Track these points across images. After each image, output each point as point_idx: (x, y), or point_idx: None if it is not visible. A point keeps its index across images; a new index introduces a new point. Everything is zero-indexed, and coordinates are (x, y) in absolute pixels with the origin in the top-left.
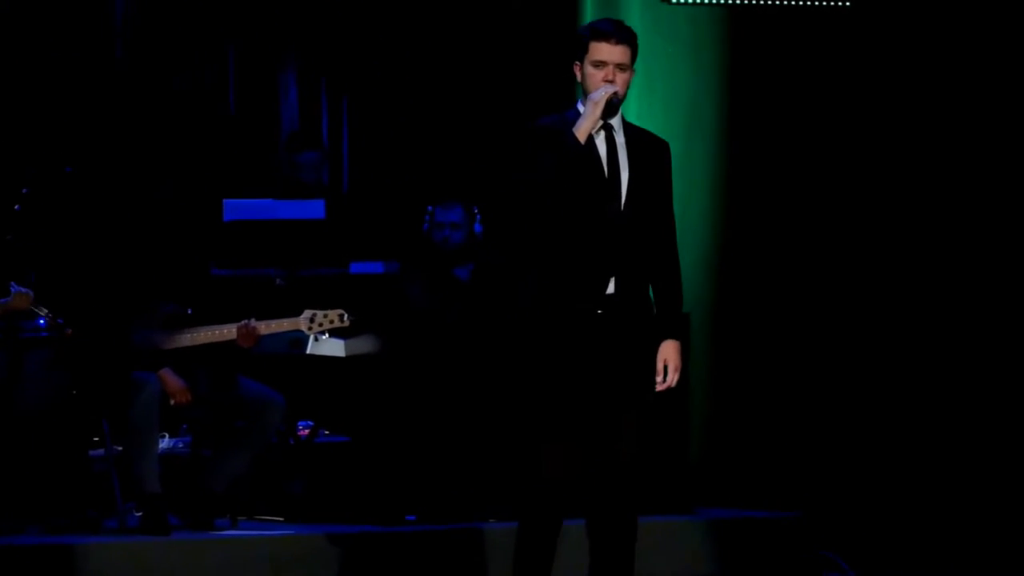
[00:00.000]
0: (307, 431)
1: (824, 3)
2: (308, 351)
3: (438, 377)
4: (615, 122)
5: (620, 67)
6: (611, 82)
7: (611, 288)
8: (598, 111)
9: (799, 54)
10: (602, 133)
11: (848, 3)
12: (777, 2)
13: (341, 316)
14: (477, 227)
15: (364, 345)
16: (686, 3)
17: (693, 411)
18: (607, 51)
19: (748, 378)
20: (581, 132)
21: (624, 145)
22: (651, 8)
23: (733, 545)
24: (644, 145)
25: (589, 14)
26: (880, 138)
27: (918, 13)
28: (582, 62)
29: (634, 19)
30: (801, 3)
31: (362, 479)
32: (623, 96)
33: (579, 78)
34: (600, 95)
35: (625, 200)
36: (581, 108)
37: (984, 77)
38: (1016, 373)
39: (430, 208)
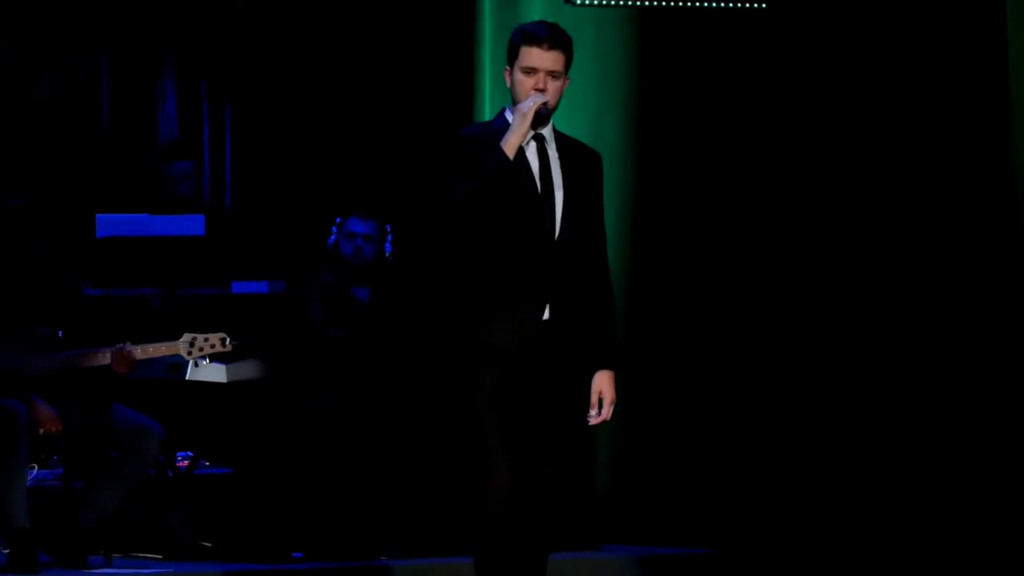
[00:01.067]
0: (186, 462)
1: (738, 5)
2: (187, 376)
3: (328, 403)
4: (546, 132)
5: (552, 74)
6: (542, 90)
7: (546, 314)
8: (526, 124)
9: (711, 58)
10: (533, 144)
11: (764, 5)
12: (688, 4)
13: (223, 340)
14: (387, 247)
15: (247, 370)
16: (591, 4)
17: (600, 442)
18: (538, 57)
19: (657, 408)
20: (509, 147)
21: (557, 158)
22: (554, 10)
23: None
24: (577, 157)
25: (488, 15)
26: (795, 145)
27: (838, 15)
28: (512, 67)
29: None
30: (714, 5)
31: (245, 513)
32: (554, 106)
33: (508, 84)
34: (528, 106)
35: (560, 218)
36: (509, 116)
37: (901, 79)
38: (934, 400)
39: (339, 220)
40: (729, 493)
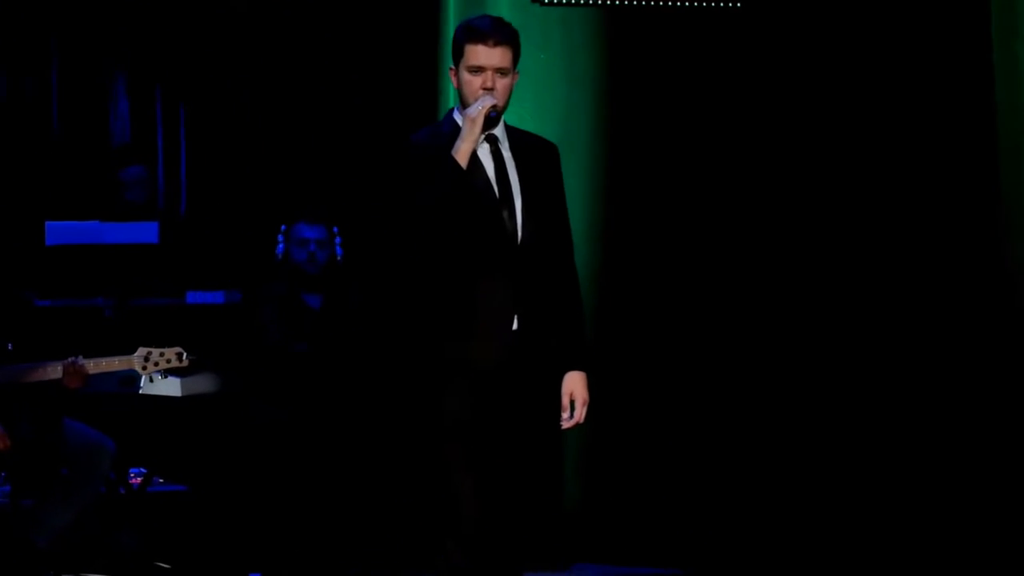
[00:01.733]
0: (140, 479)
1: (712, 4)
2: (141, 390)
3: (286, 416)
4: (498, 132)
5: (500, 72)
6: (490, 89)
7: (515, 324)
8: (476, 129)
9: (682, 58)
10: (486, 146)
11: (739, 4)
12: (659, 3)
13: (179, 355)
14: (339, 251)
15: (202, 384)
16: (559, 3)
17: (568, 456)
18: (484, 54)
19: (628, 423)
20: (461, 155)
21: (512, 158)
22: (521, 10)
23: None
24: (533, 153)
25: (452, 14)
26: (769, 146)
27: (815, 15)
28: (458, 67)
29: None
30: (686, 4)
31: (201, 532)
32: (504, 107)
33: (455, 84)
34: (476, 111)
35: (521, 220)
36: (457, 117)
37: (879, 79)
38: (909, 417)
39: (284, 227)
40: (701, 512)
